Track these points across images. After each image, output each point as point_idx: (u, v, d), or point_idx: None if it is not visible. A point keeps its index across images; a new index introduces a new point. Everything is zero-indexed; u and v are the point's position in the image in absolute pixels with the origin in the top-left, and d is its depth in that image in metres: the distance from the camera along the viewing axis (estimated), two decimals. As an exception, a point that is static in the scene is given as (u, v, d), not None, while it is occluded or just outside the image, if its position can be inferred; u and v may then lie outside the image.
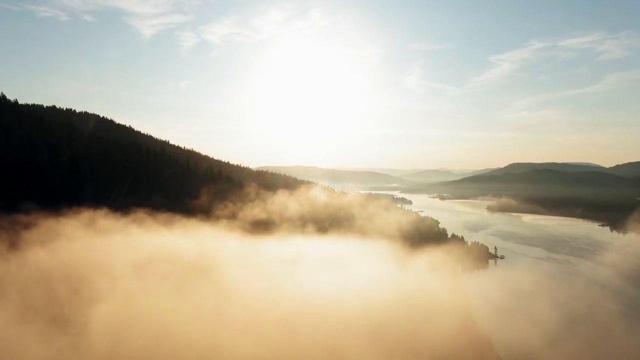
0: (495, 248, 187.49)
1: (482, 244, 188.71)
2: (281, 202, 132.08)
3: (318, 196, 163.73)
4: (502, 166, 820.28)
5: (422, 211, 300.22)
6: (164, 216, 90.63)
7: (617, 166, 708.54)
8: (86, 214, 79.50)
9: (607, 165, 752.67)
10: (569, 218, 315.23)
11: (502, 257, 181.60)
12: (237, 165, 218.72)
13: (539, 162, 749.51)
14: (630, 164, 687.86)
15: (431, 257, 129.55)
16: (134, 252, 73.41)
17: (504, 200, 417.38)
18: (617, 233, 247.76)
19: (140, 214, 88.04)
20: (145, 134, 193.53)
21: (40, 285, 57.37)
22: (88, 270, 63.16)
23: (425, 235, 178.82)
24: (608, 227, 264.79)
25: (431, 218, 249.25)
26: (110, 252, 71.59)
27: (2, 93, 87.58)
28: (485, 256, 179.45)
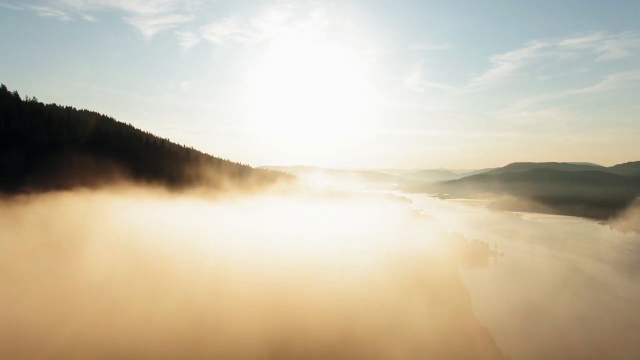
0: (496, 245, 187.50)
1: (482, 241, 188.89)
2: (281, 188, 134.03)
3: (318, 183, 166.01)
4: (502, 166, 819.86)
5: (422, 210, 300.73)
6: (164, 196, 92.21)
7: (617, 166, 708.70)
8: (85, 193, 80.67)
9: (607, 165, 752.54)
10: (569, 216, 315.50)
11: (502, 255, 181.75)
12: (238, 163, 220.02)
13: (539, 161, 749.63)
14: (630, 163, 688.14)
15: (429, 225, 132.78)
16: (133, 214, 75.48)
17: (504, 199, 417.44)
18: (616, 231, 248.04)
19: (140, 193, 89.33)
20: (145, 132, 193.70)
21: (38, 227, 59.55)
22: (87, 220, 65.37)
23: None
24: (608, 225, 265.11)
25: (431, 216, 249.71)
26: (110, 212, 73.44)
27: (2, 85, 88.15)
28: (486, 253, 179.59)
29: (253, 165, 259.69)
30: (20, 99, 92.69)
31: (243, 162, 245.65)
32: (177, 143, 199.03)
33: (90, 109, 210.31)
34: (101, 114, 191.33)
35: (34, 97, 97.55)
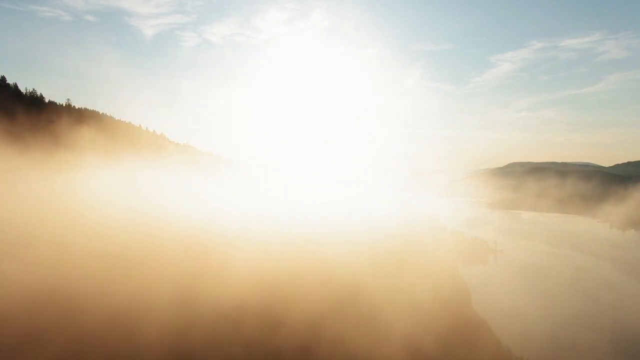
0: (495, 243, 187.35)
1: (482, 239, 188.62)
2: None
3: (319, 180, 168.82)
4: (502, 165, 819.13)
5: (421, 207, 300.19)
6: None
7: (617, 165, 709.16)
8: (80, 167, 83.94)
9: (606, 165, 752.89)
10: (568, 215, 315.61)
11: (501, 252, 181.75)
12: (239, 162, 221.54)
13: (539, 161, 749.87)
14: (629, 163, 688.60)
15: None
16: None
17: (504, 197, 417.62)
18: (615, 229, 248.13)
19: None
20: (145, 129, 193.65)
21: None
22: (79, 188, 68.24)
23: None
24: (608, 224, 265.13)
25: (431, 214, 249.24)
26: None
27: (2, 76, 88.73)
28: (485, 250, 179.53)
29: (254, 165, 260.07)
30: (20, 90, 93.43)
31: (244, 162, 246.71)
32: (175, 141, 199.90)
33: (90, 107, 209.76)
34: (100, 112, 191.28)
35: (33, 89, 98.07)
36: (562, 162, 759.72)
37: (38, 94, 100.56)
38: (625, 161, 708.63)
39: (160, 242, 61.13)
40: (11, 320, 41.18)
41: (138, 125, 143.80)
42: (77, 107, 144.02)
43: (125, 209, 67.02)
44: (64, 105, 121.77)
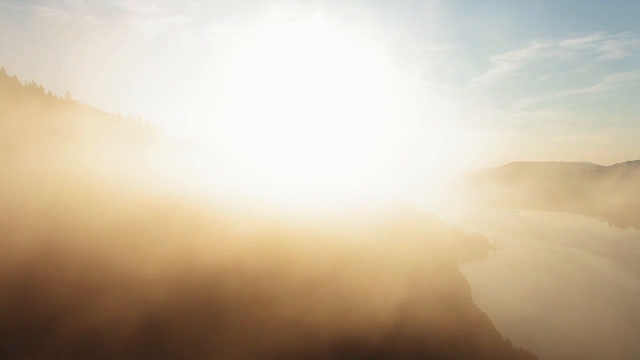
0: (495, 240, 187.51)
1: (481, 236, 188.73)
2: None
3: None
4: (502, 165, 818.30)
5: (422, 205, 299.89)
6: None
7: (616, 165, 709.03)
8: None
9: (606, 165, 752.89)
10: (568, 213, 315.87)
11: (501, 248, 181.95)
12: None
13: (539, 161, 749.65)
14: (629, 162, 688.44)
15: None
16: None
17: (504, 196, 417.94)
18: (615, 227, 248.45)
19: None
20: (145, 121, 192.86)
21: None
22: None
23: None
24: (607, 222, 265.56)
25: (431, 213, 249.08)
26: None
27: (1, 67, 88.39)
28: (485, 247, 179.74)
29: (255, 165, 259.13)
30: (19, 82, 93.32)
31: (245, 158, 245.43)
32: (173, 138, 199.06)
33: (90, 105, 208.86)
34: (99, 110, 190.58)
35: (32, 81, 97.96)
36: (562, 162, 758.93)
37: (37, 85, 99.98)
38: (625, 161, 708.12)
39: (160, 207, 61.29)
40: (9, 279, 41.24)
41: (137, 118, 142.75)
42: (77, 101, 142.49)
43: (124, 181, 67.00)
44: (63, 98, 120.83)
